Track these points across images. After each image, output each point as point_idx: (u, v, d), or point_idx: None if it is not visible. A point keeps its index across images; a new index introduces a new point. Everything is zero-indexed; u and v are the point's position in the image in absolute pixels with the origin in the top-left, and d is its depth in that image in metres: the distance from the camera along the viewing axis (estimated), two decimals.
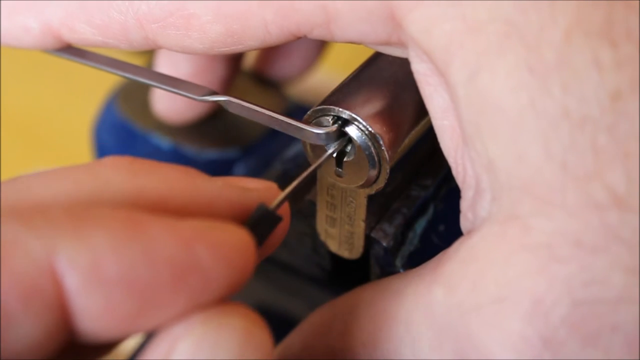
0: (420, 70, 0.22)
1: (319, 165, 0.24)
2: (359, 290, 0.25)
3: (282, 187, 0.23)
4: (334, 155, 0.25)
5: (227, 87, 0.34)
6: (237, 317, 0.19)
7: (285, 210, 0.22)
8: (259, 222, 0.21)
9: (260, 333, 0.19)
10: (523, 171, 0.20)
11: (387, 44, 0.23)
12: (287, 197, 0.22)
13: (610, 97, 0.19)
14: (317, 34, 0.23)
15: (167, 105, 0.34)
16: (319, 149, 0.25)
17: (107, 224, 0.18)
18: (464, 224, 0.23)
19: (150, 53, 0.35)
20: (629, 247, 0.19)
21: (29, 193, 0.19)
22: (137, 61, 0.29)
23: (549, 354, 0.20)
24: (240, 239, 0.19)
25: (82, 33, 0.26)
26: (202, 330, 0.18)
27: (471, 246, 0.21)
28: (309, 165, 0.25)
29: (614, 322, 0.19)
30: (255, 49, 0.25)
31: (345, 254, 0.28)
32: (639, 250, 0.19)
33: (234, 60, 0.34)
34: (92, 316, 0.18)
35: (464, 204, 0.22)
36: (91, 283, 0.17)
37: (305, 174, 0.24)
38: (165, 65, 0.33)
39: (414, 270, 0.23)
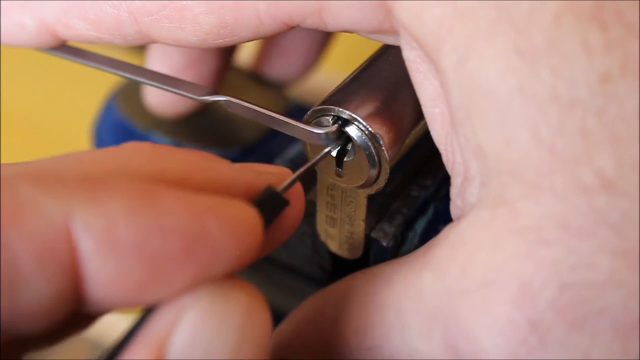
0: (411, 58, 0.22)
1: (329, 152, 0.25)
2: (350, 277, 0.25)
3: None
4: (334, 155, 0.25)
5: (220, 79, 0.34)
6: (242, 292, 0.19)
7: (299, 197, 0.22)
8: (265, 203, 0.21)
9: (263, 310, 0.19)
10: (511, 156, 0.20)
11: (380, 32, 0.23)
12: (294, 182, 0.22)
13: (599, 80, 0.19)
14: (310, 23, 0.23)
15: (160, 99, 0.34)
16: (319, 149, 0.25)
17: (122, 193, 0.18)
18: (453, 211, 0.23)
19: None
20: (616, 231, 0.19)
21: (46, 169, 0.19)
22: (137, 60, 0.29)
23: (536, 337, 0.20)
24: (248, 215, 0.20)
25: (76, 29, 0.26)
26: (209, 302, 0.19)
27: (460, 231, 0.21)
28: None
29: (600, 306, 0.19)
30: (249, 40, 0.25)
31: (345, 254, 0.28)
32: (626, 234, 0.19)
33: (227, 52, 0.34)
34: (103, 282, 0.18)
35: (453, 191, 0.22)
36: (104, 248, 0.18)
37: (314, 161, 0.24)
38: (157, 58, 0.33)
39: (404, 257, 0.23)
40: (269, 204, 0.21)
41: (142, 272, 0.18)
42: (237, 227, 0.19)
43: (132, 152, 0.20)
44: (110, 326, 0.41)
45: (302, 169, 0.23)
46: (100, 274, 0.18)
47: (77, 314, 0.19)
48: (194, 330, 0.18)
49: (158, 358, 0.18)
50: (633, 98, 0.19)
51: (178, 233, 0.18)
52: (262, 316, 0.19)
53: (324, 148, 0.25)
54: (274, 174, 0.22)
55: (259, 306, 0.19)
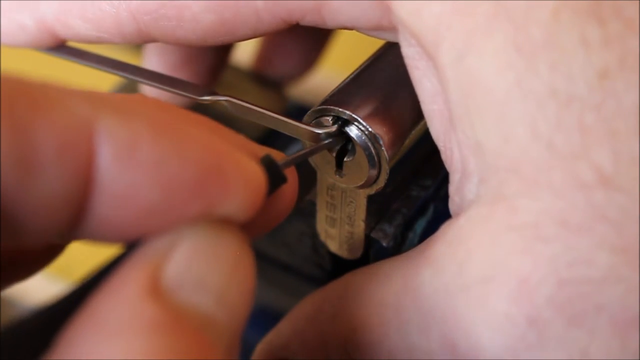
0: (410, 54, 0.22)
1: (329, 144, 0.24)
2: (349, 275, 0.25)
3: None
4: (334, 155, 0.25)
5: (217, 76, 0.34)
6: (235, 236, 0.19)
7: (293, 180, 0.22)
8: (265, 169, 0.21)
9: (250, 258, 0.19)
10: (510, 152, 0.20)
11: (379, 28, 0.23)
12: (292, 163, 0.22)
13: (597, 75, 0.19)
14: (309, 20, 0.23)
15: (156, 94, 0.34)
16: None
17: (149, 114, 0.18)
18: (451, 207, 0.23)
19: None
20: (614, 227, 0.19)
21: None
22: (136, 60, 0.29)
23: (534, 333, 0.20)
24: (257, 170, 0.20)
25: (76, 28, 0.26)
26: (205, 235, 0.18)
27: (458, 228, 0.21)
28: (309, 165, 0.25)
29: (599, 302, 0.19)
30: (248, 39, 0.25)
31: (345, 254, 0.28)
32: (625, 229, 0.19)
33: (223, 49, 0.34)
34: (114, 195, 0.18)
35: (452, 188, 0.22)
36: (123, 159, 0.17)
37: (313, 148, 0.24)
38: (154, 55, 0.33)
39: (403, 254, 0.23)
40: (268, 172, 0.21)
41: (153, 194, 0.18)
42: (248, 175, 0.19)
43: (144, 101, 0.20)
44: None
45: (299, 153, 0.23)
46: (114, 185, 0.18)
47: (68, 235, 0.19)
48: (189, 259, 0.18)
49: (152, 282, 0.18)
50: (631, 93, 0.19)
51: (196, 163, 0.18)
52: (250, 263, 0.19)
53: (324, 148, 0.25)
54: (276, 154, 0.22)
55: (248, 252, 0.19)
